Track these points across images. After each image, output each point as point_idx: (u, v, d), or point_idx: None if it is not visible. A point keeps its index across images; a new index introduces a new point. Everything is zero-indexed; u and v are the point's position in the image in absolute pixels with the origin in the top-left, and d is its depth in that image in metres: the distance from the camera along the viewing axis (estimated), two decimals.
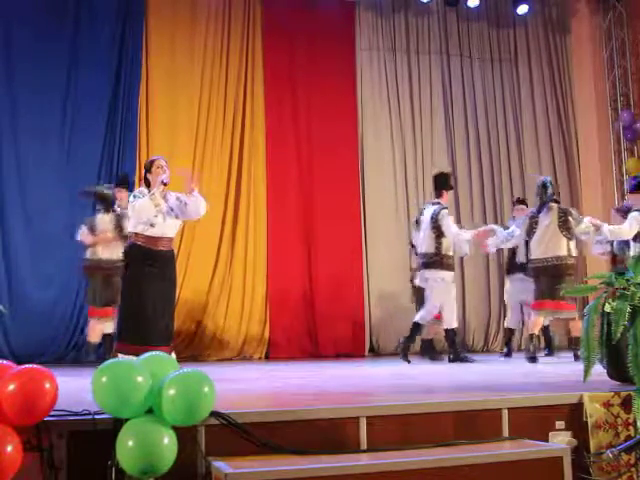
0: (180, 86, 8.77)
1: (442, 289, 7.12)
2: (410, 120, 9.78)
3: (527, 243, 7.11)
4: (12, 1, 8.14)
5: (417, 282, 7.54)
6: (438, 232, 7.12)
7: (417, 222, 7.56)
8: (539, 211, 6.97)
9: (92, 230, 6.91)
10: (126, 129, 8.45)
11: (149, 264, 5.14)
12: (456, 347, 7.11)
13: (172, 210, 5.16)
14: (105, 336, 6.94)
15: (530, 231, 6.97)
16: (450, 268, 7.24)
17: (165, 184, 5.19)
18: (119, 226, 6.74)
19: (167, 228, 5.19)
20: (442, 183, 7.38)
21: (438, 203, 7.28)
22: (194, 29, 8.95)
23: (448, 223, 7.14)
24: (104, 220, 6.92)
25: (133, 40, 8.59)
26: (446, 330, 7.12)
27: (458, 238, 7.16)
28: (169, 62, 8.77)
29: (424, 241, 7.25)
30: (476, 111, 10.08)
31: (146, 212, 5.11)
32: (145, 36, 8.71)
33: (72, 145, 8.25)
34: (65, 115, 8.27)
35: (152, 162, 5.33)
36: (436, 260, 7.16)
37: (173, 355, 4.93)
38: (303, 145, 9.26)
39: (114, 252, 6.75)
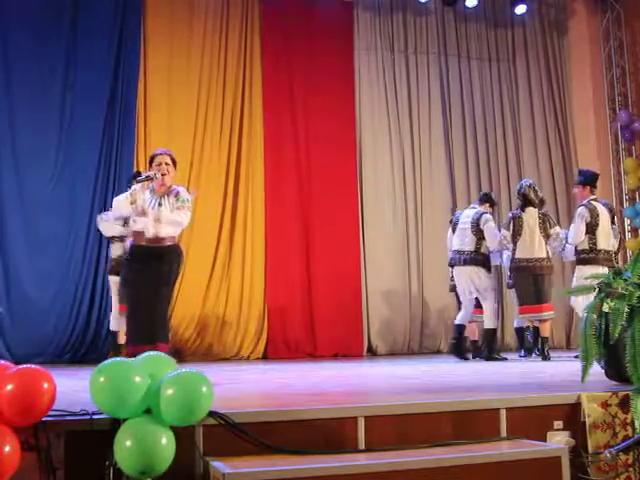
0: (178, 85, 8.76)
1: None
2: (408, 120, 9.79)
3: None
4: (10, 1, 8.13)
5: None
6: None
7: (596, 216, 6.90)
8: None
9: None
10: (124, 128, 8.44)
11: (133, 259, 4.96)
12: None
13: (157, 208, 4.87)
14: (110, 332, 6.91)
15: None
16: None
17: (149, 178, 4.86)
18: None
19: (150, 223, 4.85)
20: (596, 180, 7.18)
21: (595, 199, 7.00)
22: (192, 28, 8.95)
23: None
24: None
25: (131, 39, 8.59)
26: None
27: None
28: (167, 61, 8.77)
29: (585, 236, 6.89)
30: (474, 111, 10.09)
31: (119, 209, 5.21)
32: (143, 35, 8.71)
33: (70, 144, 8.24)
34: (63, 114, 8.26)
35: (152, 158, 5.05)
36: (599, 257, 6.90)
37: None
38: (301, 145, 9.25)
39: (120, 249, 6.76)
